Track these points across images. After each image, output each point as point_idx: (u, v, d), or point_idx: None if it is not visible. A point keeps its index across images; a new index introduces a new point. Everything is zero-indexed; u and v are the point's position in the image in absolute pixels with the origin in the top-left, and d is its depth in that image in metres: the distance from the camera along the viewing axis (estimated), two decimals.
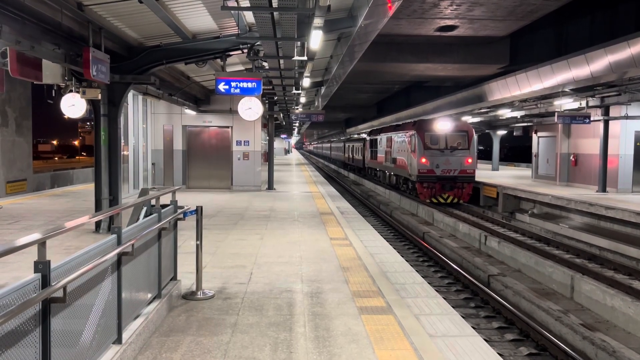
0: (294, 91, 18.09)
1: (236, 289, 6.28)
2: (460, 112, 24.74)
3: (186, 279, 6.38)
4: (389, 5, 8.79)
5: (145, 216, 5.92)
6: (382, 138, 30.29)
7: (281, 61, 12.17)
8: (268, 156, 21.73)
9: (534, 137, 25.59)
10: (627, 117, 18.25)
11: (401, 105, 31.61)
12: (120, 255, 3.92)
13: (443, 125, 22.49)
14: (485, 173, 30.34)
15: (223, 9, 7.72)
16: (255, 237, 9.82)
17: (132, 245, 3.99)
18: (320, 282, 6.65)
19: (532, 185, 22.18)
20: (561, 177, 22.43)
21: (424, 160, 22.04)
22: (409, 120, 28.33)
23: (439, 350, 4.49)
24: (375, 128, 36.79)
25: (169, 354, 4.34)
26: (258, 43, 10.42)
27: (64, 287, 2.82)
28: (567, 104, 19.64)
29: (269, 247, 8.82)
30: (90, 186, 12.38)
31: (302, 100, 25.04)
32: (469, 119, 28.01)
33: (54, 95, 9.78)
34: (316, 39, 9.06)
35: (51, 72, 8.83)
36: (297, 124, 46.06)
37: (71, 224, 3.20)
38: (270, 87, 16.72)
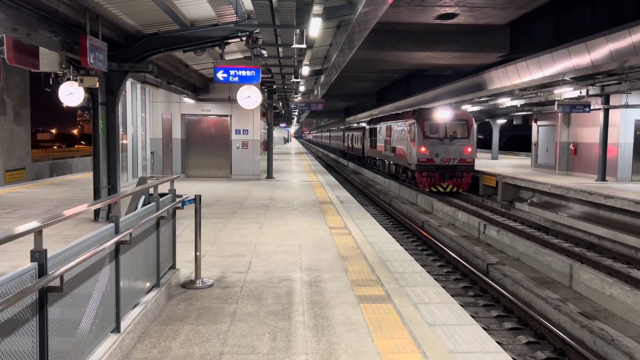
0: (293, 79, 18.01)
1: (235, 278, 6.28)
2: (460, 100, 24.66)
3: (185, 268, 6.38)
4: None
5: (144, 205, 5.90)
6: (381, 127, 30.22)
7: (280, 49, 12.08)
8: (267, 145, 21.70)
9: (534, 126, 25.54)
10: (627, 106, 18.18)
11: (401, 94, 31.52)
12: (118, 244, 3.91)
13: (443, 114, 22.41)
14: (484, 162, 30.32)
15: None
16: (254, 226, 9.81)
17: (130, 234, 3.97)
18: (319, 271, 6.65)
19: (532, 174, 22.17)
20: (561, 166, 22.41)
21: (423, 149, 21.99)
22: (408, 109, 28.25)
23: (437, 338, 4.50)
24: (374, 117, 36.67)
25: (167, 343, 4.34)
26: (257, 31, 10.34)
27: (61, 276, 2.80)
28: (567, 92, 19.58)
29: (268, 236, 8.82)
30: (89, 175, 12.34)
31: (302, 88, 24.95)
32: (468, 108, 27.94)
33: (51, 83, 9.72)
34: (315, 27, 9.00)
35: (48, 60, 8.77)
36: (296, 113, 45.99)
37: (69, 212, 3.18)
38: (269, 75, 16.63)
